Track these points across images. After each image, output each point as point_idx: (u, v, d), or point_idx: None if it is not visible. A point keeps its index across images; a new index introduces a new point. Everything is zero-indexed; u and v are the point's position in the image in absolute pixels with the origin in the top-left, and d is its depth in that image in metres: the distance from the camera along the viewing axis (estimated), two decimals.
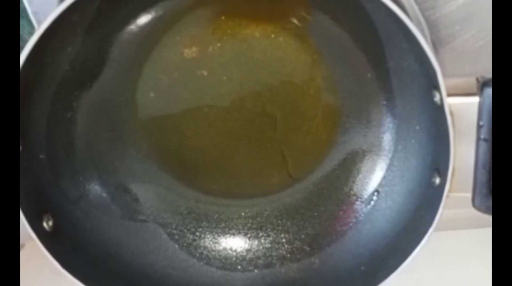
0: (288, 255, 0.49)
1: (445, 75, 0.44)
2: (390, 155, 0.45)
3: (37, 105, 0.40)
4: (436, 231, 0.54)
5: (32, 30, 0.39)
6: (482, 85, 0.34)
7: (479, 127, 0.34)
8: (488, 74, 0.34)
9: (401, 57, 0.36)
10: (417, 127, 0.41)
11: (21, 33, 0.38)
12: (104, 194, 0.46)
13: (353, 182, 0.47)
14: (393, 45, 0.35)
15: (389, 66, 0.40)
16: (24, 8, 0.38)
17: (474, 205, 0.37)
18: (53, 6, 0.35)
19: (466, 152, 0.36)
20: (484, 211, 0.37)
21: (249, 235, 0.50)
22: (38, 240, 0.39)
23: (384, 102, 0.43)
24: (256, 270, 0.49)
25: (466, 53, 0.43)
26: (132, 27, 0.41)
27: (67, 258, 0.41)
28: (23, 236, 0.40)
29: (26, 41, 0.34)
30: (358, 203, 0.47)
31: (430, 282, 0.53)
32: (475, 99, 0.34)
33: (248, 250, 0.50)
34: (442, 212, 0.38)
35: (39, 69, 0.37)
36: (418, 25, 0.43)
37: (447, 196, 0.38)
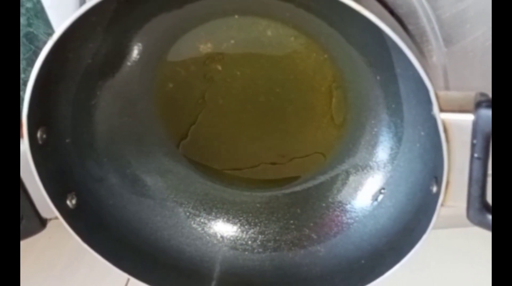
0: (296, 241, 0.51)
1: (455, 74, 0.44)
2: (396, 156, 0.45)
3: (63, 95, 0.43)
4: (441, 229, 0.55)
5: (48, 30, 0.41)
6: (476, 105, 0.33)
7: (472, 145, 0.34)
8: None
9: (406, 65, 0.36)
10: (422, 133, 0.41)
11: (36, 33, 0.41)
12: (126, 175, 0.49)
13: (362, 177, 0.48)
14: (398, 52, 0.35)
15: (396, 72, 0.40)
16: (42, 9, 0.41)
17: (468, 217, 0.37)
18: (71, 7, 0.37)
19: (461, 166, 0.36)
20: (477, 224, 0.37)
21: (261, 219, 0.52)
22: (61, 217, 0.43)
23: (393, 105, 0.43)
24: (265, 253, 0.52)
25: (476, 51, 0.43)
26: (150, 24, 0.42)
27: (88, 233, 0.45)
28: (47, 212, 0.45)
29: (42, 41, 0.37)
30: (365, 198, 0.48)
31: (433, 278, 0.54)
32: (471, 117, 0.34)
33: (259, 233, 0.52)
34: (436, 219, 0.39)
35: (61, 64, 0.40)
36: (429, 22, 0.42)
37: (442, 205, 0.39)
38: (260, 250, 0.52)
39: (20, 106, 0.35)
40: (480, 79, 0.45)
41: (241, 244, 0.52)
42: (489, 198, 0.37)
